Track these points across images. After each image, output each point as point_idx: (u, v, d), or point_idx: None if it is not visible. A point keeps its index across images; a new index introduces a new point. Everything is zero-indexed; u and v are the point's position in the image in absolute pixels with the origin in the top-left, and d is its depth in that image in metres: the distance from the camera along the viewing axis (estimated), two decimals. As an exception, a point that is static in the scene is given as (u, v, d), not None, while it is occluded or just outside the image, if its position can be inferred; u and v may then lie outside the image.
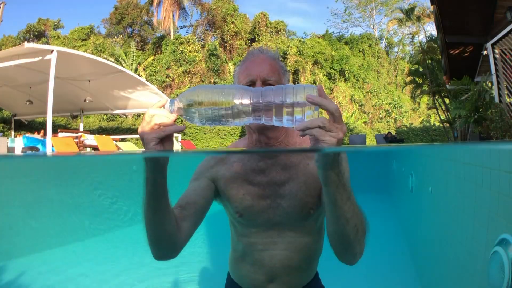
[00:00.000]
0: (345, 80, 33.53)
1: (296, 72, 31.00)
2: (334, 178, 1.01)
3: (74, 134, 13.43)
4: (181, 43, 30.41)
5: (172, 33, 35.82)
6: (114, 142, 13.19)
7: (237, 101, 0.98)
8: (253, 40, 33.78)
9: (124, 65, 29.09)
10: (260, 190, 1.39)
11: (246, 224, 1.44)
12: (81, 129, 17.37)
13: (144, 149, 1.01)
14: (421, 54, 17.12)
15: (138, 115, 25.75)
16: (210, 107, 0.97)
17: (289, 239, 1.42)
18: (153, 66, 31.15)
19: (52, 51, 10.81)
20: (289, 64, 30.30)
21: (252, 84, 1.31)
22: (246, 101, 0.98)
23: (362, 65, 34.99)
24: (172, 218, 1.19)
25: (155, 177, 1.06)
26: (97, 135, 14.57)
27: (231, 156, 1.49)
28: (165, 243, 1.20)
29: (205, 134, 24.37)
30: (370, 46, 36.90)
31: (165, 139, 1.00)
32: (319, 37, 36.93)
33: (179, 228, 1.23)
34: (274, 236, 1.42)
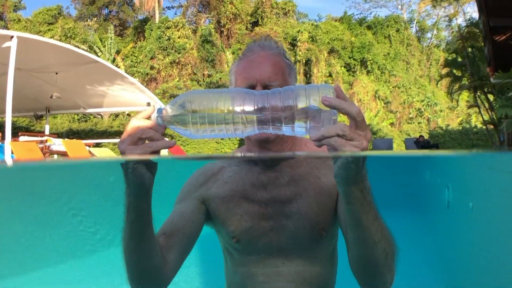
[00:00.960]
0: (368, 72, 33.55)
1: (308, 63, 31.03)
2: (358, 195, 1.01)
3: (39, 138, 13.42)
4: (168, 28, 30.48)
5: (157, 15, 35.93)
6: (87, 147, 13.18)
7: (238, 108, 0.97)
8: (255, 23, 33.86)
9: (99, 54, 29.15)
10: (261, 208, 1.38)
11: (244, 251, 1.43)
12: (47, 132, 17.33)
13: (125, 173, 1.01)
14: (460, 41, 17.13)
15: (116, 115, 25.74)
16: (207, 117, 0.97)
17: (297, 268, 1.41)
18: (135, 56, 31.21)
19: (12, 37, 10.81)
20: (300, 53, 30.34)
21: (251, 89, 1.30)
22: (250, 107, 0.97)
23: (388, 54, 35.01)
24: (157, 249, 1.19)
25: (139, 203, 1.06)
26: (66, 139, 14.58)
27: (224, 170, 1.48)
28: (149, 279, 1.20)
29: (197, 138, 24.34)
30: (397, 31, 36.92)
31: (151, 165, 1.00)
32: (336, 20, 37.03)
33: (165, 260, 1.23)
34: (279, 264, 1.41)
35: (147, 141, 0.98)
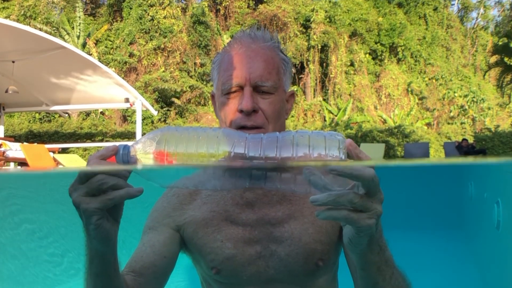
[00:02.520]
0: (399, 60, 33.59)
1: (324, 49, 31.06)
2: (374, 259, 1.03)
3: (-9, 142, 13.45)
4: (152, 5, 30.55)
5: (138, -10, 36.03)
6: (51, 153, 13.18)
7: (225, 154, 0.97)
8: (259, 0, 33.90)
9: (66, 38, 29.20)
10: (246, 232, 1.38)
11: (226, 283, 1.42)
12: (1, 134, 17.40)
13: (85, 228, 0.99)
14: (513, 22, 17.12)
15: (87, 114, 25.77)
16: (186, 163, 0.97)
17: None
18: (110, 40, 31.28)
19: (-41, 17, 10.86)
20: (314, 37, 30.37)
21: (238, 89, 1.33)
22: (239, 155, 0.98)
23: (424, 38, 35.04)
24: None
25: (103, 257, 1.07)
26: (25, 143, 14.59)
27: (202, 189, 1.48)
28: None
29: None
30: (435, 9, 36.97)
31: (114, 209, 1.00)
32: (358, -4, 37.07)
33: None
34: None
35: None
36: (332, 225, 1.38)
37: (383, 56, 32.96)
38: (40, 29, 17.95)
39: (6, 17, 23.70)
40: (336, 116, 30.19)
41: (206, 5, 32.81)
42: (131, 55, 29.66)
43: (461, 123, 31.24)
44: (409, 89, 31.85)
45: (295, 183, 0.96)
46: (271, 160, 0.95)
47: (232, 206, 1.40)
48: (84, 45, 29.99)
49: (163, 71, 29.13)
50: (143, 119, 23.01)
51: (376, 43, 33.01)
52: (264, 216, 1.38)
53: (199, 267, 1.49)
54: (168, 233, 1.41)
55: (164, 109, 28.57)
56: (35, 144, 14.43)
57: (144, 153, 0.98)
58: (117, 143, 1.01)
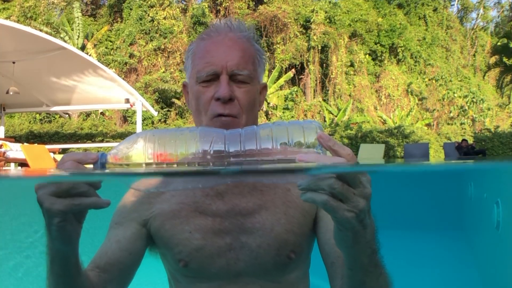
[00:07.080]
0: (398, 61, 33.56)
1: (324, 50, 31.02)
2: (364, 261, 1.02)
3: (-8, 143, 13.42)
4: (152, 6, 30.51)
5: (138, -9, 35.97)
6: (51, 154, 13.14)
7: (205, 154, 0.97)
8: (259, 1, 33.86)
9: (66, 39, 29.14)
10: (215, 223, 1.35)
11: (193, 276, 1.38)
12: (2, 135, 17.38)
13: (47, 227, 0.98)
14: (512, 23, 17.11)
15: (87, 114, 25.72)
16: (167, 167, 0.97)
17: None
18: (110, 41, 31.20)
19: (-41, 18, 10.84)
20: (314, 37, 30.32)
21: (214, 77, 1.32)
22: (219, 153, 0.98)
23: (424, 39, 35.01)
24: None
25: (65, 257, 1.06)
26: (25, 143, 14.55)
27: (171, 181, 1.43)
28: None
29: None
30: (435, 10, 36.94)
31: (80, 214, 0.99)
32: (358, -3, 37.04)
33: None
34: None
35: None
36: (304, 216, 1.37)
37: (383, 57, 32.95)
38: (41, 30, 17.89)
39: (6, 18, 23.67)
40: (336, 116, 30.17)
41: (206, 6, 32.78)
42: (131, 55, 29.61)
43: (461, 124, 31.19)
44: (409, 90, 31.85)
45: (274, 175, 0.96)
46: (252, 155, 0.95)
47: (201, 197, 1.38)
48: (83, 47, 29.92)
49: (163, 72, 29.09)
50: (144, 120, 23.01)
51: (376, 43, 33.00)
52: (235, 206, 1.36)
53: (166, 262, 1.46)
54: (135, 228, 1.39)
55: (165, 109, 28.55)
56: (36, 144, 14.40)
57: (120, 159, 0.97)
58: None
